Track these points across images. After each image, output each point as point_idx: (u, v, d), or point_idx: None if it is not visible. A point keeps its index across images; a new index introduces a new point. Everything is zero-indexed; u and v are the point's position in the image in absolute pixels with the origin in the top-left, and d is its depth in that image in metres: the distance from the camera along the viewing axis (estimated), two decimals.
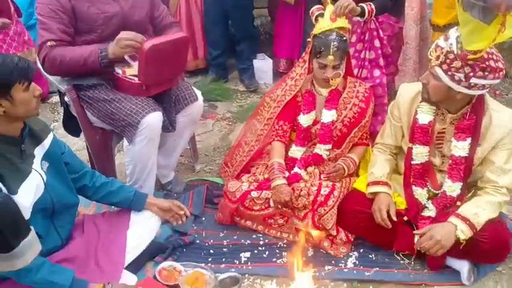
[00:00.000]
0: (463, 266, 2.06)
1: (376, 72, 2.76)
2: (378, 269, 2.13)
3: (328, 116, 2.39)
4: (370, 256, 2.21)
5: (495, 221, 2.00)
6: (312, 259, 2.21)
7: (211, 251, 2.26)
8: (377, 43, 2.71)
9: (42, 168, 1.74)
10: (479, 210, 1.96)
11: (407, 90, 2.21)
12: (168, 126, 2.40)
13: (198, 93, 2.55)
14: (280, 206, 2.26)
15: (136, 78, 2.27)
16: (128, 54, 2.23)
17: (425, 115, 2.09)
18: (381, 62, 2.74)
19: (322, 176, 2.37)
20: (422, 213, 2.12)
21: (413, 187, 2.14)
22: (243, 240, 2.34)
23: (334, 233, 2.21)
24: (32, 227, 1.27)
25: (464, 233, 1.93)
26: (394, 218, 2.08)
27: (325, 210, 2.19)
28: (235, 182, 2.39)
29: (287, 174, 2.35)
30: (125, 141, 2.35)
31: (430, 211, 2.11)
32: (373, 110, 2.51)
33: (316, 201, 2.20)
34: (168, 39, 2.28)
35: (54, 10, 2.19)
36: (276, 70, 4.21)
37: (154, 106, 2.30)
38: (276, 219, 2.33)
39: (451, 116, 2.06)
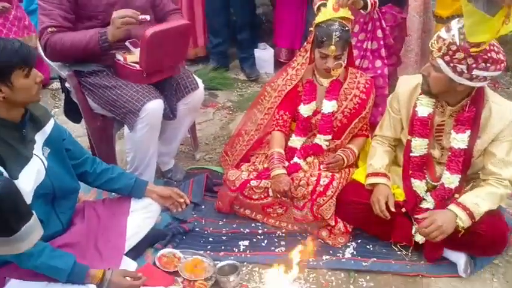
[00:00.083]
0: (460, 258, 2.08)
1: (378, 63, 2.75)
2: (375, 259, 2.15)
3: (328, 106, 2.39)
4: (367, 247, 2.23)
5: (493, 214, 2.01)
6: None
7: (211, 239, 2.28)
8: (379, 33, 2.70)
9: (43, 153, 1.75)
10: (480, 200, 1.97)
11: (407, 82, 2.21)
12: (169, 114, 2.40)
13: (199, 81, 2.55)
14: (279, 196, 2.28)
15: (137, 65, 2.27)
16: (125, 31, 2.20)
17: (424, 108, 2.09)
18: (383, 52, 2.73)
19: (321, 166, 2.37)
20: (421, 205, 2.13)
21: (412, 179, 2.15)
22: (242, 229, 2.36)
23: (332, 223, 2.23)
24: (33, 211, 1.28)
25: (463, 221, 1.94)
26: (393, 209, 2.09)
27: (323, 200, 2.20)
28: (235, 171, 2.40)
29: (286, 164, 2.36)
30: (126, 129, 2.35)
31: (429, 203, 2.12)
32: (373, 101, 2.51)
33: (315, 191, 2.21)
34: (170, 27, 2.27)
35: None
36: (276, 60, 4.19)
37: (155, 93, 2.30)
38: (274, 209, 2.35)
39: (450, 108, 2.06)
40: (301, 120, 2.44)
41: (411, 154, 2.15)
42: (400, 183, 2.20)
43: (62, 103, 2.77)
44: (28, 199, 1.61)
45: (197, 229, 2.34)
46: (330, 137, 2.42)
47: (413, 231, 2.11)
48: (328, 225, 2.25)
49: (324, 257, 2.17)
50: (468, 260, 2.07)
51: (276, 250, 2.22)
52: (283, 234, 2.32)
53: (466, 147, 2.04)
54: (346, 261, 2.15)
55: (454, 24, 1.85)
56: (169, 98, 2.41)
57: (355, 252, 2.20)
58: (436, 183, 2.15)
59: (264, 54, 4.20)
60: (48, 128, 1.80)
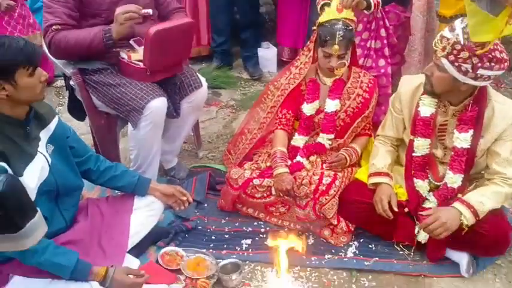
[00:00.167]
0: (462, 258, 2.07)
1: (381, 62, 2.75)
2: (377, 259, 2.15)
3: (331, 105, 2.39)
4: (370, 246, 2.23)
5: (496, 214, 2.01)
6: (312, 248, 2.23)
7: (213, 237, 2.29)
8: (383, 33, 2.70)
9: (47, 151, 1.75)
10: (485, 198, 1.97)
11: (409, 82, 2.21)
12: (173, 112, 2.41)
13: (203, 79, 2.55)
14: (281, 194, 2.28)
15: (141, 64, 2.28)
16: (129, 26, 2.21)
17: (427, 108, 2.09)
18: (386, 51, 2.73)
19: (324, 165, 2.38)
20: (423, 205, 2.13)
21: (414, 179, 2.15)
22: (244, 227, 2.36)
23: (335, 222, 2.23)
24: (38, 208, 1.29)
25: (467, 219, 1.93)
26: (396, 209, 2.09)
27: (326, 199, 2.20)
28: (238, 170, 2.40)
29: (289, 162, 2.36)
30: (130, 126, 2.36)
31: (431, 203, 2.12)
32: (377, 101, 2.51)
33: (318, 190, 2.22)
34: (173, 25, 2.28)
35: None
36: (279, 59, 4.19)
37: (159, 92, 2.30)
38: (277, 207, 2.35)
39: (453, 108, 2.06)
40: (304, 119, 2.44)
41: (413, 154, 2.14)
42: (403, 183, 2.20)
43: (66, 101, 2.78)
44: (32, 196, 1.61)
45: (200, 227, 2.35)
46: (332, 136, 2.42)
47: (415, 230, 2.11)
48: (330, 224, 2.25)
49: (326, 256, 2.17)
50: (470, 260, 2.07)
51: None
52: (286, 233, 2.32)
53: (469, 146, 2.03)
54: (348, 260, 2.15)
55: (458, 23, 1.85)
56: (173, 96, 2.41)
57: (357, 252, 2.20)
58: (439, 183, 2.15)
59: (267, 53, 4.20)
60: (52, 125, 1.81)
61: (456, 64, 1.85)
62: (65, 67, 2.41)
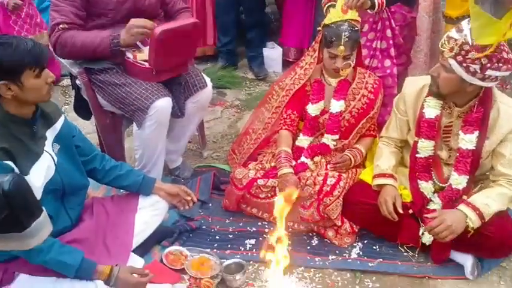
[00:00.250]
0: (467, 260, 2.07)
1: (387, 63, 2.75)
2: (381, 260, 2.15)
3: (336, 106, 2.39)
4: (374, 247, 2.23)
5: (502, 216, 2.00)
6: (317, 248, 2.23)
7: (217, 237, 2.29)
8: (389, 33, 2.69)
9: (53, 150, 1.76)
10: (490, 201, 1.96)
11: (413, 83, 2.20)
12: (177, 112, 2.41)
13: (208, 79, 2.56)
14: None
15: (146, 63, 2.29)
16: (139, 38, 2.23)
17: (432, 109, 2.08)
18: (392, 52, 2.73)
19: (328, 166, 2.37)
20: (428, 207, 2.12)
21: (419, 181, 2.15)
22: (248, 227, 2.36)
23: (339, 223, 2.23)
24: (43, 208, 1.30)
25: (473, 222, 1.93)
26: (401, 211, 2.09)
27: (330, 200, 2.20)
28: (242, 170, 2.41)
29: (294, 163, 2.36)
30: (135, 126, 2.36)
31: (436, 204, 2.12)
32: (382, 101, 2.51)
33: (322, 191, 2.22)
34: (179, 25, 2.28)
35: None
36: (284, 59, 4.19)
37: (164, 91, 2.31)
38: None
39: (458, 109, 2.05)
40: (309, 119, 2.44)
41: (417, 155, 2.14)
42: (407, 184, 2.20)
43: (72, 100, 2.80)
44: (38, 195, 1.63)
45: (204, 227, 2.35)
46: (337, 136, 2.42)
47: (420, 232, 2.11)
48: (334, 225, 2.25)
49: (330, 257, 2.17)
50: (475, 262, 2.07)
51: None
52: (290, 234, 2.32)
53: (474, 148, 2.03)
54: (352, 261, 2.15)
55: (465, 24, 1.84)
56: (178, 96, 2.42)
57: (361, 253, 2.20)
58: (443, 185, 2.15)
59: (272, 53, 4.21)
60: (58, 124, 1.82)
61: (464, 65, 1.85)
62: (71, 66, 2.42)
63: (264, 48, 4.21)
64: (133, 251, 1.95)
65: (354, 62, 2.36)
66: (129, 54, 2.33)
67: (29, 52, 1.55)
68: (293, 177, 2.26)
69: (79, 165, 1.90)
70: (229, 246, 2.23)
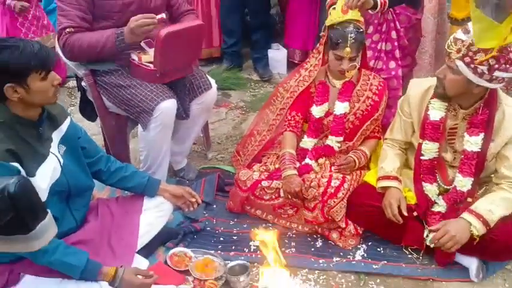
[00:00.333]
0: (471, 263, 2.06)
1: (392, 64, 2.74)
2: (385, 262, 2.14)
3: (340, 108, 2.39)
4: (378, 249, 2.23)
5: (506, 219, 1.99)
6: (321, 250, 2.23)
7: (221, 239, 2.30)
8: (394, 35, 2.69)
9: (59, 151, 1.77)
10: (493, 206, 1.95)
11: (418, 85, 2.20)
12: (182, 113, 2.42)
13: (212, 81, 2.57)
14: (290, 196, 2.28)
15: (151, 65, 2.30)
16: (143, 35, 2.23)
17: (436, 111, 2.08)
18: (397, 54, 2.72)
19: (332, 168, 2.37)
20: (432, 209, 2.11)
21: (423, 183, 2.14)
22: (252, 229, 2.36)
23: (343, 225, 2.22)
24: (48, 210, 1.31)
25: (477, 229, 1.92)
26: (405, 213, 2.08)
27: (334, 202, 2.20)
28: (247, 171, 2.41)
29: (298, 164, 2.37)
30: (140, 128, 2.38)
31: (440, 207, 2.11)
32: (386, 103, 2.50)
33: (326, 192, 2.22)
34: (184, 27, 2.30)
35: None
36: (289, 61, 4.19)
37: (168, 93, 2.32)
38: (285, 210, 2.36)
39: (463, 111, 2.05)
40: (313, 121, 2.44)
41: (421, 157, 2.14)
42: (412, 186, 2.19)
43: (78, 101, 2.81)
44: (43, 196, 1.64)
45: (208, 228, 2.36)
46: (341, 138, 2.42)
47: (424, 234, 2.10)
48: (338, 227, 2.25)
49: (334, 259, 2.17)
50: (480, 264, 2.06)
51: (287, 251, 2.22)
52: (294, 235, 2.33)
53: (479, 150, 2.02)
54: (356, 263, 2.15)
55: (472, 25, 1.84)
56: (183, 97, 2.43)
57: (365, 255, 2.19)
58: (448, 187, 2.14)
59: (277, 55, 4.21)
60: (64, 126, 1.83)
61: (472, 66, 1.84)
62: (77, 68, 2.44)
63: (268, 50, 4.21)
64: (138, 252, 1.96)
65: (359, 64, 2.36)
66: (134, 56, 2.34)
67: (35, 55, 1.56)
68: (297, 179, 2.26)
69: (84, 166, 1.91)
70: (233, 247, 2.23)
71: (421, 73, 3.10)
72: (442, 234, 1.94)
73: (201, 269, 2.05)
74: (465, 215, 1.96)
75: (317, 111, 2.43)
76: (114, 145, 2.59)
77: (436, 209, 2.11)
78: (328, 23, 2.31)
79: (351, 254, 2.20)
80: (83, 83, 2.45)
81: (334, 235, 2.27)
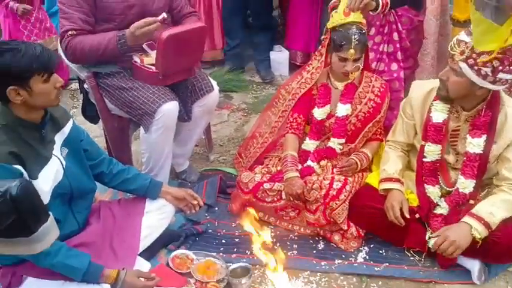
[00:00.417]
0: (474, 265, 2.05)
1: (394, 66, 2.74)
2: (387, 264, 2.14)
3: (342, 110, 2.39)
4: (380, 251, 2.22)
5: (508, 221, 1.98)
6: (323, 253, 2.23)
7: (223, 241, 2.30)
8: (396, 36, 2.68)
9: (61, 154, 1.78)
10: (494, 209, 1.94)
11: (420, 87, 2.20)
12: (184, 115, 2.43)
13: (214, 83, 2.57)
14: (292, 199, 2.28)
15: (153, 67, 2.30)
16: (146, 42, 2.25)
17: (439, 113, 2.07)
18: (399, 55, 2.72)
19: (334, 170, 2.37)
20: (435, 211, 2.11)
21: (425, 185, 2.14)
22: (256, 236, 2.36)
23: (345, 227, 2.22)
24: (50, 213, 1.31)
25: (479, 232, 1.92)
26: (407, 215, 2.08)
27: (336, 204, 2.20)
28: (249, 173, 2.41)
29: (300, 167, 2.37)
30: (142, 130, 2.38)
31: (443, 209, 2.11)
32: (388, 105, 2.50)
33: (328, 195, 2.21)
34: (186, 29, 2.30)
35: None
36: (291, 62, 4.19)
37: (170, 95, 2.33)
38: (287, 212, 2.35)
39: (465, 113, 2.04)
40: (315, 123, 2.44)
41: (424, 159, 2.13)
42: (414, 188, 2.19)
43: (80, 103, 2.83)
44: (46, 199, 1.65)
45: (210, 231, 2.36)
46: (343, 140, 2.42)
47: (426, 237, 2.10)
48: (340, 229, 2.24)
49: (336, 261, 2.17)
50: (482, 267, 2.05)
51: (288, 253, 2.22)
52: (296, 238, 2.33)
53: (481, 152, 2.02)
54: (358, 265, 2.15)
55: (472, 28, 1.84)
56: (185, 100, 2.43)
57: (367, 257, 2.19)
58: (450, 189, 2.14)
59: (279, 57, 4.21)
60: (67, 128, 1.84)
61: (476, 68, 1.84)
62: (79, 71, 2.44)
63: (271, 52, 4.21)
64: (140, 255, 1.96)
65: (362, 65, 2.36)
66: (137, 59, 2.35)
67: (37, 58, 1.57)
68: (299, 181, 2.26)
69: (87, 169, 1.92)
70: (235, 250, 2.23)
71: (423, 75, 3.10)
72: (442, 240, 1.94)
73: (203, 271, 2.05)
74: (466, 219, 1.96)
75: (319, 113, 2.43)
76: (116, 147, 2.60)
77: (438, 211, 2.11)
78: (330, 25, 2.32)
79: (352, 256, 2.20)
80: (85, 85, 2.45)
81: (336, 237, 2.27)
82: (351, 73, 2.30)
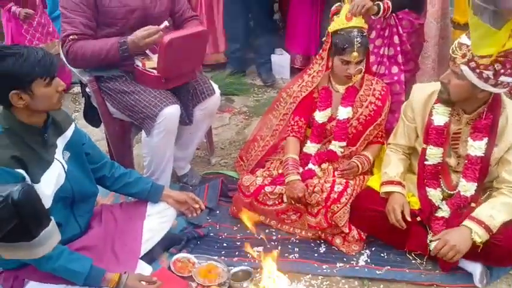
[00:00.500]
0: (475, 268, 2.05)
1: (395, 69, 2.74)
2: (389, 267, 2.14)
3: (343, 113, 2.39)
4: (382, 255, 2.22)
5: (509, 224, 1.98)
6: (324, 256, 2.23)
7: (225, 244, 2.30)
8: (396, 40, 2.69)
9: (63, 157, 1.78)
10: (495, 212, 1.94)
11: (421, 90, 2.20)
12: (186, 119, 2.43)
13: (215, 87, 2.58)
14: (293, 202, 2.28)
15: (155, 71, 2.31)
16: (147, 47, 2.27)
17: (440, 116, 2.07)
18: (400, 58, 2.72)
19: (336, 173, 2.37)
20: (436, 214, 2.11)
21: (427, 188, 2.14)
22: (256, 235, 2.36)
23: (346, 230, 2.22)
24: (52, 217, 1.32)
25: (480, 236, 1.91)
26: (409, 218, 2.08)
27: (338, 207, 2.20)
28: (250, 177, 2.41)
29: (301, 170, 2.37)
30: (143, 133, 2.39)
31: (444, 212, 2.10)
32: (389, 108, 2.50)
33: (330, 198, 2.21)
34: (187, 33, 2.31)
35: (78, 3, 2.22)
36: (290, 66, 4.20)
37: (172, 99, 2.33)
38: (289, 215, 2.35)
39: (467, 116, 2.04)
40: (316, 126, 2.44)
41: (425, 162, 2.13)
42: (415, 191, 2.19)
43: (82, 107, 2.83)
44: (48, 203, 1.65)
45: (212, 234, 2.36)
46: (344, 143, 2.42)
47: (428, 240, 2.09)
48: (342, 232, 2.24)
49: (338, 265, 2.16)
50: (484, 270, 2.05)
51: (290, 257, 2.22)
52: (297, 241, 2.33)
53: (483, 154, 2.02)
54: (359, 269, 2.15)
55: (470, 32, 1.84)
56: (186, 103, 2.44)
57: (369, 260, 2.19)
58: (452, 192, 2.13)
59: (280, 60, 4.22)
60: (69, 132, 1.84)
61: (477, 71, 1.84)
62: (81, 74, 2.45)
63: (272, 55, 4.22)
64: (141, 258, 1.96)
65: (364, 67, 2.36)
66: (138, 62, 2.36)
67: (39, 62, 1.58)
68: (300, 184, 2.26)
69: (89, 172, 1.93)
70: (236, 253, 2.23)
71: (424, 78, 3.10)
72: (442, 245, 1.93)
73: (205, 274, 2.05)
74: (466, 222, 1.95)
75: (320, 116, 2.43)
76: (118, 151, 2.60)
77: (439, 214, 2.11)
78: (331, 29, 2.32)
79: (354, 259, 2.20)
80: (87, 89, 2.46)
81: (338, 240, 2.27)
82: (354, 76, 2.31)
